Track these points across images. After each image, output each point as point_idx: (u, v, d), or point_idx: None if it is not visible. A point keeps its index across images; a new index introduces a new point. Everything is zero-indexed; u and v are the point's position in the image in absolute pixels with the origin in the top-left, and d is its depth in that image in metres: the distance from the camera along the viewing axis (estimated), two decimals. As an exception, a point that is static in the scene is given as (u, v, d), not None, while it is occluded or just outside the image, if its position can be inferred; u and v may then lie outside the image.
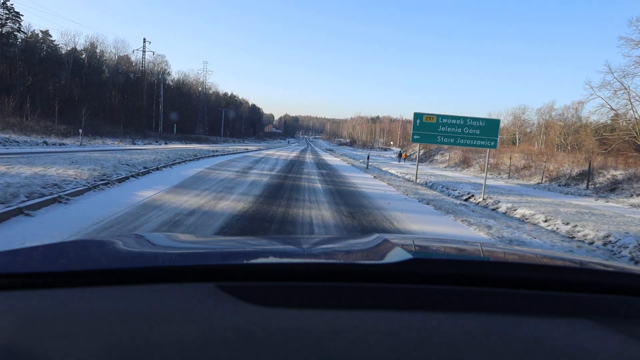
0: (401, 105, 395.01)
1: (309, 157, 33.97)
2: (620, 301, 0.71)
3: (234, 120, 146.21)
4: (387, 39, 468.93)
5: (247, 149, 38.57)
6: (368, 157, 28.70)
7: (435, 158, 55.33)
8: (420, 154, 62.55)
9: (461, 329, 0.55)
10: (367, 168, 24.60)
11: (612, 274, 0.91)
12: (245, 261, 0.78)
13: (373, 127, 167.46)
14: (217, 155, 23.60)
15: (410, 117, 15.40)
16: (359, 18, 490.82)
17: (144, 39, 54.77)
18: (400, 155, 48.70)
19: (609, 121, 77.49)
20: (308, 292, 0.63)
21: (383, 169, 28.33)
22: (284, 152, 41.15)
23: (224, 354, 0.44)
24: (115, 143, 31.35)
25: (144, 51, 55.27)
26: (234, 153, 28.59)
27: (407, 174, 23.82)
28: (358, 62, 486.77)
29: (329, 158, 38.15)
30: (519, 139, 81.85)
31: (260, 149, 45.11)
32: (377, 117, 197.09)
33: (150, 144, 37.45)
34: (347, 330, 0.52)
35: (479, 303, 0.64)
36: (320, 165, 24.88)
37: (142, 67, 57.66)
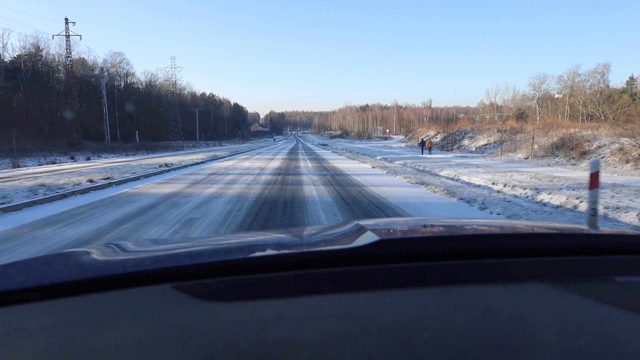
0: (391, 91, 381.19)
1: (307, 168, 17.41)
2: (571, 262, 0.73)
3: (215, 122, 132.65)
4: (370, 23, 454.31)
5: (165, 165, 17.58)
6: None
7: (463, 143, 42.61)
8: (438, 139, 49.65)
9: (412, 305, 0.56)
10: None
11: (561, 236, 0.95)
12: (202, 260, 0.76)
13: (364, 116, 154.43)
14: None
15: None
16: (338, 4, 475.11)
17: (66, 19, 39.56)
18: (423, 144, 35.38)
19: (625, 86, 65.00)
20: (262, 283, 0.63)
21: (436, 172, 15.19)
22: (257, 161, 22.21)
23: (167, 352, 0.44)
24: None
25: (67, 35, 40.74)
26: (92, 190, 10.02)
27: (509, 184, 10.65)
28: (342, 51, 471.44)
29: (345, 164, 19.38)
30: (539, 113, 69.63)
31: (214, 159, 24.48)
32: (367, 106, 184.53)
33: (55, 162, 23.52)
34: (295, 317, 0.52)
35: (433, 277, 0.65)
36: (357, 203, 7.96)
37: (67, 59, 43.25)
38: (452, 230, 1.08)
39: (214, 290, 0.61)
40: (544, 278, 0.65)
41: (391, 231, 1.04)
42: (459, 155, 29.89)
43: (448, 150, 40.43)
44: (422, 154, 33.94)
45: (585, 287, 0.62)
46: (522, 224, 1.27)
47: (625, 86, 65.94)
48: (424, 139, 37.48)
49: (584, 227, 1.29)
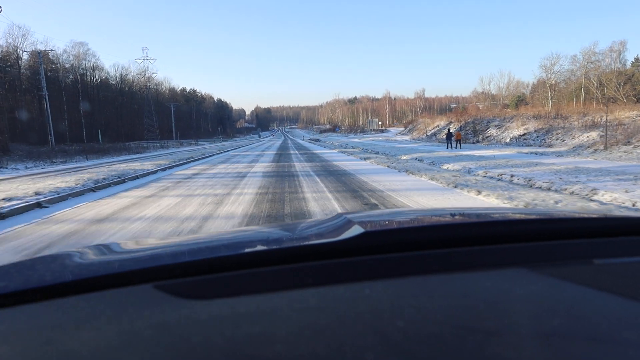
0: (380, 83, 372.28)
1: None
2: (549, 246, 0.73)
3: (197, 119, 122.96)
4: (356, 15, 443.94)
5: None
6: None
7: (490, 134, 34.58)
8: (452, 129, 40.39)
9: (390, 294, 0.55)
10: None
11: (539, 221, 0.96)
12: (183, 259, 0.75)
13: (354, 109, 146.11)
14: None
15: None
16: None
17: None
18: (450, 136, 27.04)
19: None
20: (242, 279, 0.63)
21: (592, 197, 6.92)
22: (202, 196, 8.27)
23: (140, 351, 0.44)
24: None
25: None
26: None
27: None
28: (328, 44, 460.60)
29: (416, 196, 7.63)
30: (552, 97, 62.09)
31: (119, 181, 11.43)
32: (355, 98, 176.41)
33: None
34: (272, 311, 0.52)
35: (414, 267, 0.65)
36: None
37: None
38: (435, 220, 1.08)
39: (194, 289, 0.60)
40: (522, 263, 0.65)
41: (377, 223, 1.01)
42: (527, 151, 21.36)
43: (473, 143, 32.28)
44: (449, 148, 25.79)
45: (562, 271, 0.62)
46: (504, 211, 1.28)
47: (630, 67, 58.77)
48: (450, 130, 28.93)
49: (562, 211, 1.21)
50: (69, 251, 0.89)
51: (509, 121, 33.58)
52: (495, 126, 34.53)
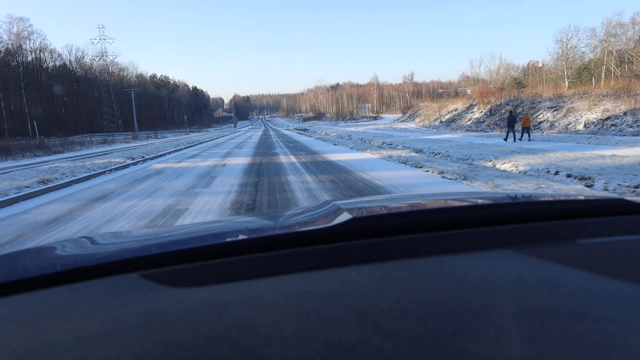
0: (362, 68, 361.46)
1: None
2: (534, 228, 0.73)
3: (170, 108, 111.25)
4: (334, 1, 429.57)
5: None
6: None
7: (544, 118, 25.79)
8: (477, 114, 27.10)
9: (376, 277, 0.55)
10: None
11: (524, 204, 0.97)
12: (170, 248, 0.74)
13: (338, 95, 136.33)
14: None
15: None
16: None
17: None
18: (512, 121, 17.74)
19: None
20: (229, 267, 0.62)
21: None
22: None
23: (123, 339, 0.44)
24: None
25: None
26: None
27: None
28: (308, 30, 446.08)
29: None
30: (568, 77, 53.73)
31: None
32: (338, 84, 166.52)
33: None
34: (258, 297, 0.51)
35: (400, 251, 0.65)
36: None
37: None
38: (422, 205, 1.09)
39: (181, 277, 0.59)
40: (507, 245, 0.65)
41: (364, 209, 1.02)
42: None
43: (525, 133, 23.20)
44: (515, 140, 16.81)
45: (547, 251, 0.62)
46: (490, 195, 1.25)
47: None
48: (512, 113, 19.23)
49: (547, 194, 1.25)
50: (55, 243, 0.87)
51: (569, 102, 24.60)
52: (549, 108, 25.51)
